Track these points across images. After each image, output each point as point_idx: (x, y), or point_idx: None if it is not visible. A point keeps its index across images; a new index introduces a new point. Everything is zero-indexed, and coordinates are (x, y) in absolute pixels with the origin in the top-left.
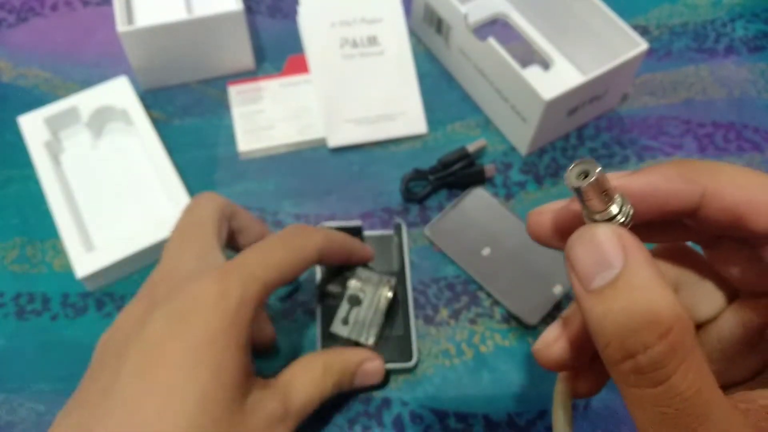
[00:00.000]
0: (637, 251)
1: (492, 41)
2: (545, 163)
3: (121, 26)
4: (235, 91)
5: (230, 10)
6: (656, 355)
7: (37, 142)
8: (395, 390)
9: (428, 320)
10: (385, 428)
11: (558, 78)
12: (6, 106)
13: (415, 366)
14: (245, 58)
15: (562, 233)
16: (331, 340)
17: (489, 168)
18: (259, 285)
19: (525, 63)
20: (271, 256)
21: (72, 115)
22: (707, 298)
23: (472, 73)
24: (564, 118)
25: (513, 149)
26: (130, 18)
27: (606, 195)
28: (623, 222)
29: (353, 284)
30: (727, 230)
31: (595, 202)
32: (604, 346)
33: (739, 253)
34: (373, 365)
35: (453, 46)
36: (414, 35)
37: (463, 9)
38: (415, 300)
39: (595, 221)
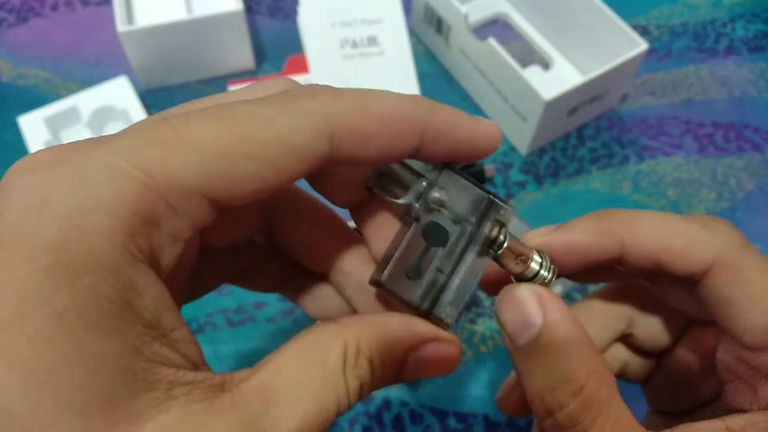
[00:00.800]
0: (555, 310)
1: (492, 41)
2: (545, 163)
3: (121, 26)
4: None
5: (230, 10)
6: (572, 412)
7: (37, 142)
8: (395, 390)
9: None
10: (385, 428)
11: (558, 78)
12: (6, 106)
13: None
14: (245, 58)
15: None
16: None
17: (489, 168)
18: (160, 198)
19: (525, 63)
20: (197, 131)
21: (72, 115)
22: (662, 328)
23: (472, 73)
24: (564, 118)
25: (513, 149)
26: (130, 18)
27: (522, 258)
28: (547, 279)
29: (434, 199)
30: (654, 273)
31: (512, 266)
32: (530, 401)
33: (678, 288)
34: (441, 349)
35: (453, 46)
36: (414, 35)
37: (463, 9)
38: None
39: (520, 280)
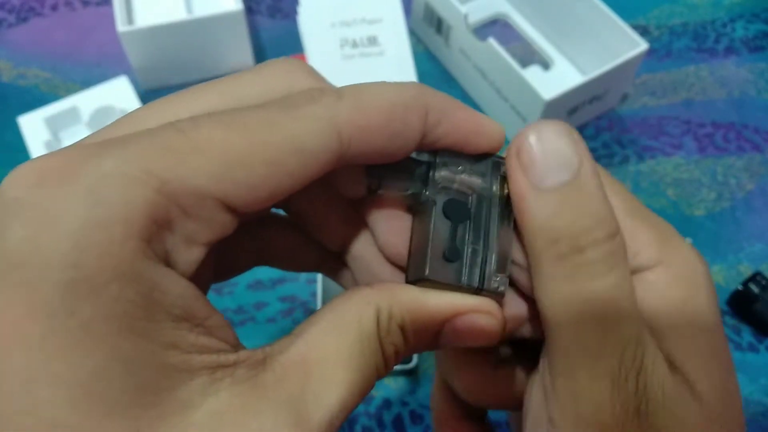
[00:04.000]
0: (589, 159)
1: (492, 41)
2: None
3: (121, 26)
4: None
5: (230, 10)
6: (605, 250)
7: (37, 142)
8: (395, 390)
9: None
10: (385, 428)
11: (558, 78)
12: (6, 106)
13: (415, 367)
14: (245, 58)
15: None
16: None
17: None
18: (173, 202)
19: (525, 63)
20: (208, 137)
21: (72, 115)
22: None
23: (472, 73)
24: (564, 118)
25: None
26: (130, 18)
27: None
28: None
29: (441, 178)
30: None
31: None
32: (550, 241)
33: None
34: (477, 320)
35: (453, 46)
36: (414, 35)
37: (463, 9)
38: None
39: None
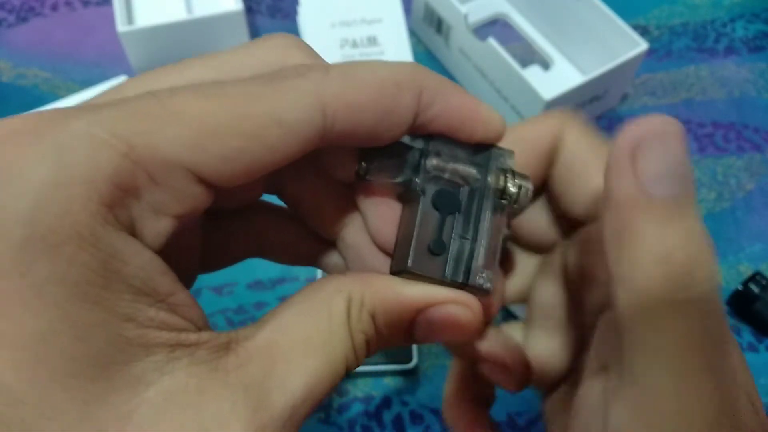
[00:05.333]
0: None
1: (492, 41)
2: None
3: (121, 26)
4: None
5: (230, 10)
6: (715, 288)
7: None
8: (395, 390)
9: None
10: (385, 428)
11: (558, 78)
12: (6, 106)
13: (415, 367)
14: None
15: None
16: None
17: None
18: (140, 168)
19: (525, 63)
20: (183, 105)
21: None
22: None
23: (472, 73)
24: None
25: None
26: (130, 18)
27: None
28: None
29: (432, 166)
30: None
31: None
32: (659, 257)
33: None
34: (454, 311)
35: (453, 46)
36: (414, 35)
37: (463, 9)
38: None
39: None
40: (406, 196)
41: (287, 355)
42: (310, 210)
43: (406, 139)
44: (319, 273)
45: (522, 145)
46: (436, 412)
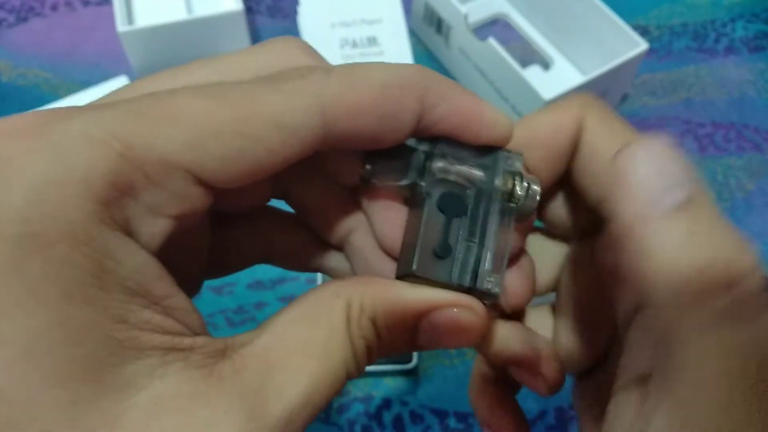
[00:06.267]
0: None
1: (492, 41)
2: None
3: (121, 26)
4: None
5: (230, 10)
6: (759, 281)
7: None
8: (395, 390)
9: None
10: (385, 428)
11: (558, 78)
12: (6, 106)
13: (415, 367)
14: None
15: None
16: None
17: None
18: (137, 169)
19: (525, 63)
20: (183, 106)
21: None
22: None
23: (472, 73)
24: None
25: None
26: (130, 18)
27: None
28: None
29: (438, 169)
30: None
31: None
32: (695, 274)
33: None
34: (457, 316)
35: (453, 46)
36: (414, 35)
37: (463, 9)
38: None
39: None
40: (412, 200)
41: (284, 362)
42: (316, 214)
43: (411, 142)
44: (319, 275)
45: (541, 136)
46: (436, 412)
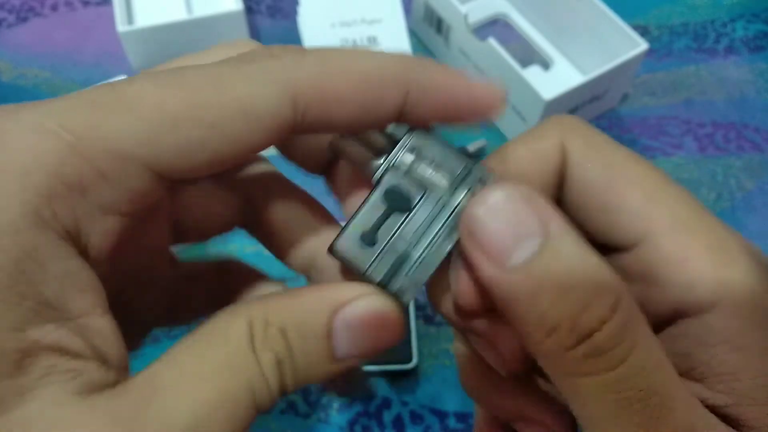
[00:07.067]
0: (555, 214)
1: (492, 41)
2: None
3: (121, 26)
4: None
5: (230, 10)
6: (615, 328)
7: None
8: (395, 390)
9: (428, 320)
10: (385, 428)
11: (558, 78)
12: None
13: (415, 367)
14: None
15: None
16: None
17: (477, 143)
18: (88, 163)
19: (525, 63)
20: (140, 94)
21: None
22: None
23: (472, 73)
24: None
25: None
26: (130, 18)
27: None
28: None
29: (402, 161)
30: None
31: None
32: (548, 331)
33: None
34: (368, 307)
35: (453, 46)
36: (414, 35)
37: (463, 9)
38: (415, 300)
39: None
40: (373, 184)
41: (172, 387)
42: (279, 239)
43: (390, 127)
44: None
45: (520, 168)
46: (436, 412)
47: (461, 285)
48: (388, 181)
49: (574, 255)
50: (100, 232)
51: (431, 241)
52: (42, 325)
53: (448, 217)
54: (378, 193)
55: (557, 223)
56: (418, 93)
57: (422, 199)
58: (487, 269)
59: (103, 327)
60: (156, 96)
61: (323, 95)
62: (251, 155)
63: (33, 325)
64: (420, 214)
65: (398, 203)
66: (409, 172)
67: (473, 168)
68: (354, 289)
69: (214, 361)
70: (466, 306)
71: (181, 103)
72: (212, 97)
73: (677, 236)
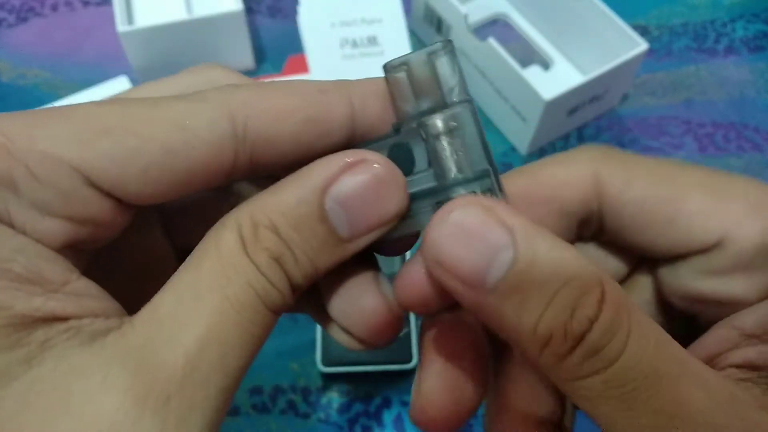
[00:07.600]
0: (520, 218)
1: (492, 41)
2: None
3: (121, 26)
4: None
5: (230, 10)
6: (606, 323)
7: None
8: (395, 390)
9: None
10: (385, 428)
11: (558, 78)
12: (6, 106)
13: (415, 367)
14: (245, 58)
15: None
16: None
17: None
18: (18, 162)
19: (525, 63)
20: (78, 107)
21: None
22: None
23: (472, 73)
24: (564, 118)
25: (513, 149)
26: (130, 18)
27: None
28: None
29: (432, 125)
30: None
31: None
32: (542, 344)
33: None
34: (359, 172)
35: None
36: (414, 35)
37: (463, 9)
38: None
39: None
40: (393, 127)
41: (175, 311)
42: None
43: (452, 78)
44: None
45: (550, 192)
46: None
47: (413, 282)
48: (403, 136)
49: (548, 254)
50: (39, 229)
51: (417, 210)
52: (29, 299)
53: (434, 204)
54: (388, 141)
55: (523, 226)
56: (359, 99)
57: (423, 173)
58: (467, 295)
59: (86, 286)
60: (92, 108)
61: (262, 110)
62: (225, 179)
63: (18, 300)
64: (413, 184)
65: (400, 162)
66: (427, 139)
67: (485, 176)
68: (336, 161)
69: (210, 273)
70: (412, 299)
71: (114, 115)
72: (146, 113)
73: (756, 223)
